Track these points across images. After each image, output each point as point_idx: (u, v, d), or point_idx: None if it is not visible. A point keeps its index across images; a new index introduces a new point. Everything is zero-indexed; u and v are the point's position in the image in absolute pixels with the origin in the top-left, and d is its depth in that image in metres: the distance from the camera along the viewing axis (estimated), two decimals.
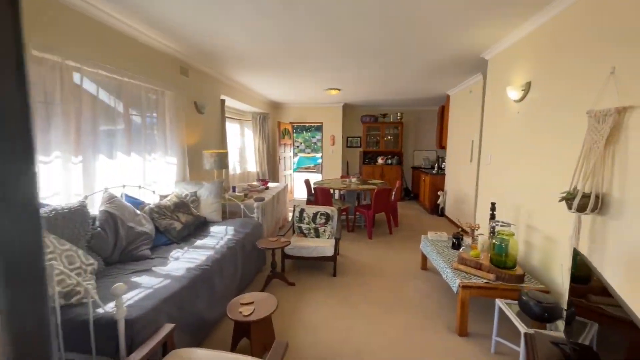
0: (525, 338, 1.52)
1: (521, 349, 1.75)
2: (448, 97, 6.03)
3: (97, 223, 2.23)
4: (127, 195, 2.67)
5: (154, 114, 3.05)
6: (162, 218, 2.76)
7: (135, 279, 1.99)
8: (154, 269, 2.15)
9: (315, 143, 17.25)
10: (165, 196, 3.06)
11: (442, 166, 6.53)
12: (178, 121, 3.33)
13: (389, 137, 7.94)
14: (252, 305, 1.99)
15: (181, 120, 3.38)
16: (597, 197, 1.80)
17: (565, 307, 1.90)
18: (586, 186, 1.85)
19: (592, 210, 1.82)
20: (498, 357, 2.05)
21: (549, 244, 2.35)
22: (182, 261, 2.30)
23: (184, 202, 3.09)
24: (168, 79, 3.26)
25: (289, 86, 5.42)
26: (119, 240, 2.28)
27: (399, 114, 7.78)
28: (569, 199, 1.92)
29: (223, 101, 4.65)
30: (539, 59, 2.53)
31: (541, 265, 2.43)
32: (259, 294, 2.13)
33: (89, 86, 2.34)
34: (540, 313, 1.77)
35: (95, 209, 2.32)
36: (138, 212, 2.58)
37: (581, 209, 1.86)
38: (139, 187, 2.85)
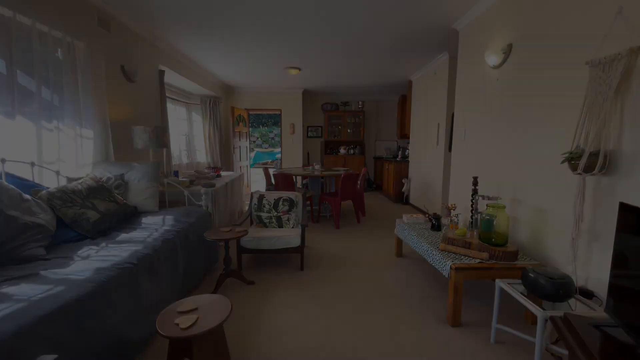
0: (555, 324, 1.20)
1: (537, 338, 1.45)
2: (410, 83, 5.90)
3: None
4: (9, 175, 1.90)
5: (61, 72, 2.27)
6: (69, 206, 2.02)
7: (8, 288, 1.31)
8: (43, 272, 1.47)
9: (272, 138, 16.52)
10: (77, 179, 2.31)
11: (406, 154, 6.42)
12: (96, 84, 2.56)
13: (350, 130, 7.68)
14: (194, 313, 1.43)
15: (100, 83, 2.61)
16: (604, 155, 1.59)
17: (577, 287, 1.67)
18: (591, 143, 1.63)
19: (600, 170, 1.60)
20: (501, 348, 1.75)
21: (538, 217, 2.14)
22: (93, 260, 1.64)
23: (105, 186, 2.36)
24: (78, 27, 2.48)
25: (244, 62, 4.78)
26: None
27: (360, 103, 7.55)
28: (573, 159, 1.69)
29: (162, 72, 3.88)
30: (522, 17, 2.32)
31: (531, 240, 2.21)
32: (205, 297, 1.57)
33: None
34: (553, 291, 1.49)
35: None
36: (27, 196, 1.83)
37: (588, 169, 1.63)
38: (32, 164, 2.07)
